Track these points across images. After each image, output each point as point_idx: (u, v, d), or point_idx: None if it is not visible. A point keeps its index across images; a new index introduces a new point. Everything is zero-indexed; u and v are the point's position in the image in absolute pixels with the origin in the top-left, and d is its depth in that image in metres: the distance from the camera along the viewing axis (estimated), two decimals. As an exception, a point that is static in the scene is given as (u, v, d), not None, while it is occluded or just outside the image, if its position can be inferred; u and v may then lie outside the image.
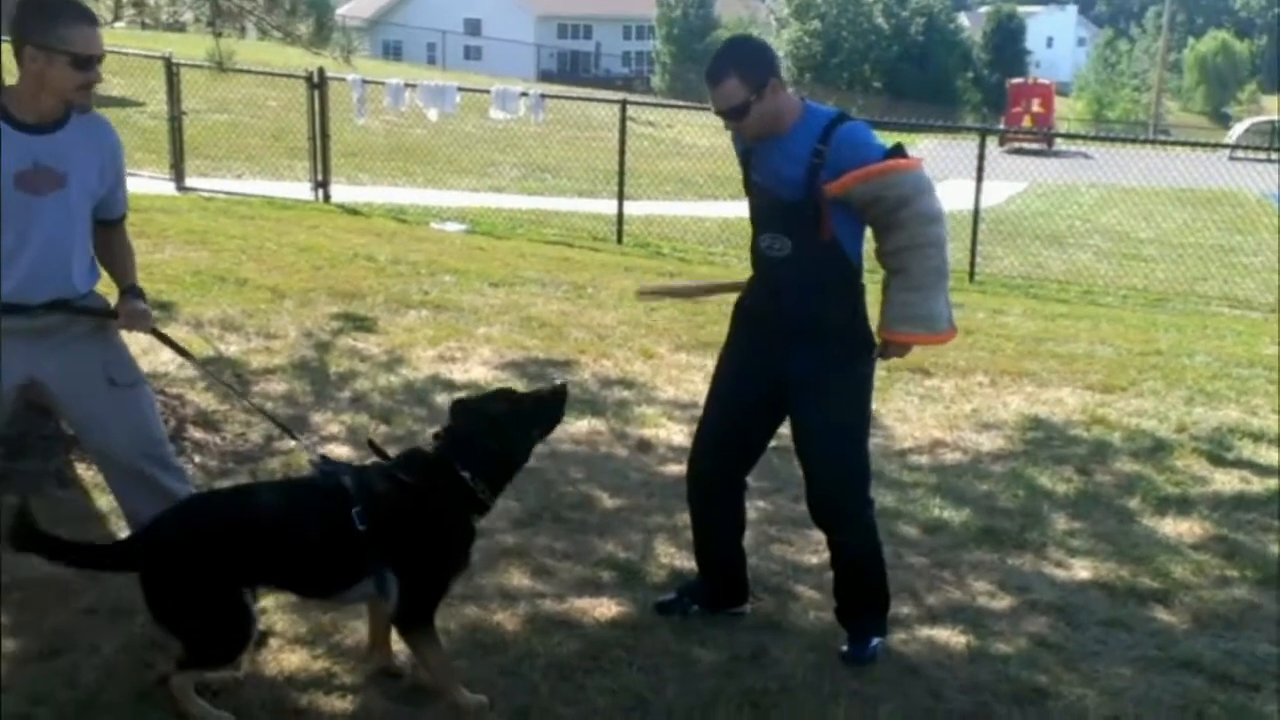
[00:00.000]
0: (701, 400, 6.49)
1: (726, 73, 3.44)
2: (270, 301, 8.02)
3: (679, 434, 5.90)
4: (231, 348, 6.76)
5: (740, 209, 14.11)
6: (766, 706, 3.41)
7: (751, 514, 4.91)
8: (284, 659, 3.51)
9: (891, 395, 6.85)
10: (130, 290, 3.55)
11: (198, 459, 5.09)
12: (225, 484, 4.84)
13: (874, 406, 6.48)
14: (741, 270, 12.50)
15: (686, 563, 4.36)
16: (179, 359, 6.16)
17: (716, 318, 8.68)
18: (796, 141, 3.47)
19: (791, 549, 4.62)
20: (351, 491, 3.15)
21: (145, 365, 5.76)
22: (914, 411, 6.58)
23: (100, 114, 3.50)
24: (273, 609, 3.79)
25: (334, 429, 5.64)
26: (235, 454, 5.23)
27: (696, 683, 3.50)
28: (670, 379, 6.98)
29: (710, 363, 7.24)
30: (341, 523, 3.10)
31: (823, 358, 3.59)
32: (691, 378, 7.02)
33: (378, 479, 3.25)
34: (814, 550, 4.62)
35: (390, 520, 3.15)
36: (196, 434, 5.30)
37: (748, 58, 3.49)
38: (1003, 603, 4.23)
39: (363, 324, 7.66)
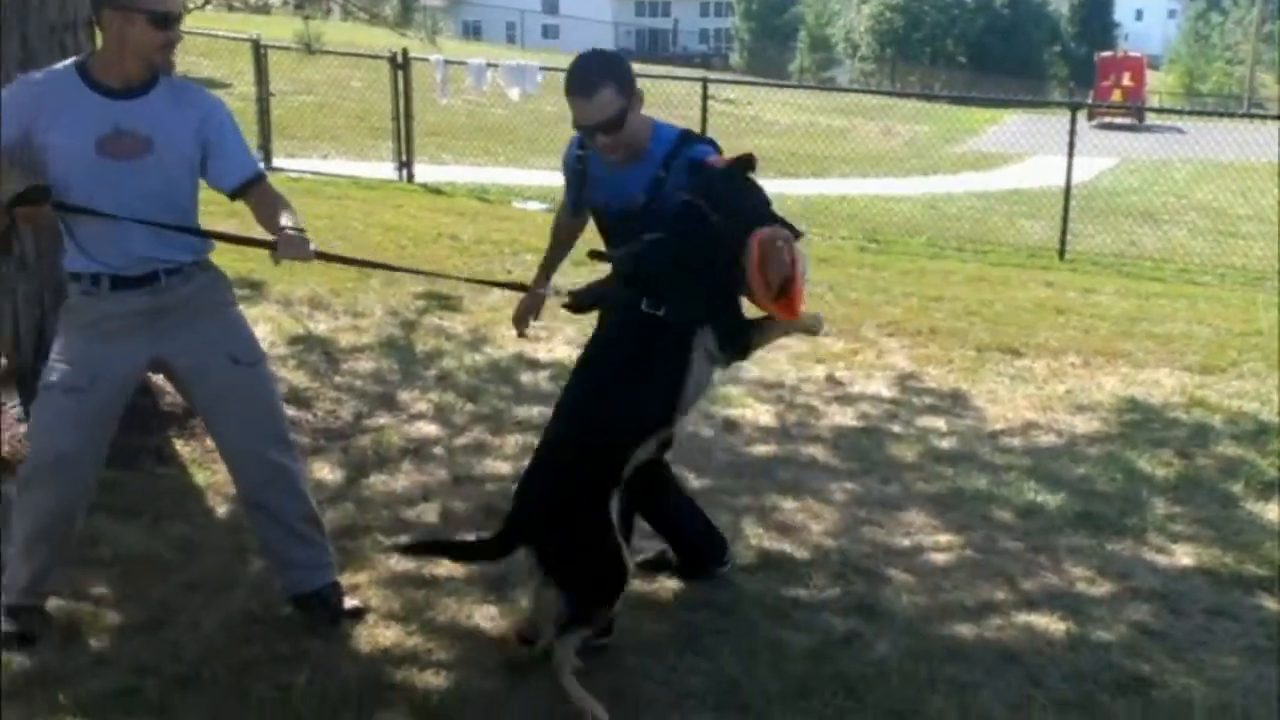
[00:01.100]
0: (790, 381, 6.47)
1: (602, 81, 3.27)
2: (357, 281, 8.09)
3: (765, 414, 5.85)
4: (320, 326, 6.84)
5: (821, 186, 14.01)
6: (861, 692, 3.36)
7: (840, 496, 4.89)
8: (379, 634, 3.54)
9: (982, 376, 6.73)
10: (284, 228, 3.37)
11: (291, 436, 5.15)
12: (317, 462, 4.91)
13: (964, 387, 6.47)
14: (825, 249, 12.35)
15: (775, 544, 4.33)
16: (273, 336, 6.30)
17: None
18: (647, 162, 3.43)
19: (882, 531, 4.56)
20: None
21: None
22: (1005, 392, 6.46)
23: (195, 83, 3.48)
24: (366, 585, 3.83)
25: (421, 407, 5.68)
26: (326, 431, 5.28)
27: (789, 666, 3.46)
28: (756, 359, 6.88)
29: (794, 342, 7.21)
30: None
31: None
32: (776, 357, 6.94)
33: None
34: (906, 533, 4.55)
35: None
36: (289, 411, 5.34)
37: (618, 67, 3.35)
38: (1102, 589, 4.13)
39: (448, 303, 7.70)
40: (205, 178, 3.44)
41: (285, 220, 3.36)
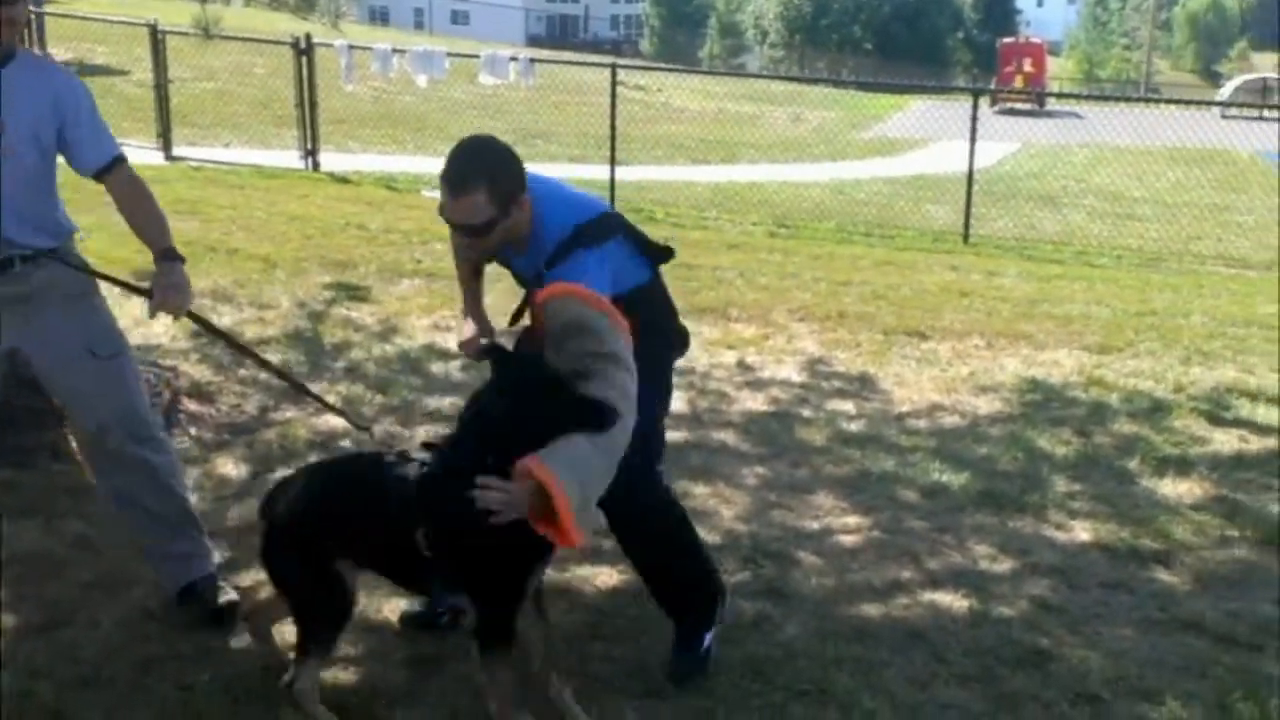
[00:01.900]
0: (701, 367, 6.49)
1: (475, 182, 2.92)
2: (262, 271, 7.96)
3: (677, 400, 5.81)
4: (225, 319, 6.70)
5: (731, 173, 14.08)
6: (769, 673, 3.39)
7: (750, 481, 4.93)
8: (283, 630, 3.48)
9: (889, 359, 6.83)
10: (164, 256, 3.25)
11: (193, 431, 5.06)
12: (221, 458, 4.82)
13: (871, 370, 6.56)
14: (735, 235, 12.42)
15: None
16: (174, 329, 6.16)
17: (711, 283, 8.65)
18: (535, 252, 3.10)
19: (791, 514, 4.61)
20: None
21: (138, 337, 5.73)
22: (911, 375, 6.56)
23: (52, 59, 3.34)
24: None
25: (330, 399, 5.59)
26: (231, 425, 5.19)
27: (699, 650, 3.48)
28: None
29: (705, 329, 7.26)
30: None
31: None
32: (687, 343, 6.99)
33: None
34: (814, 516, 4.61)
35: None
36: (192, 406, 5.26)
37: (501, 169, 2.97)
38: (1004, 566, 4.22)
39: (356, 293, 7.61)
40: (66, 161, 3.32)
41: (163, 240, 3.27)
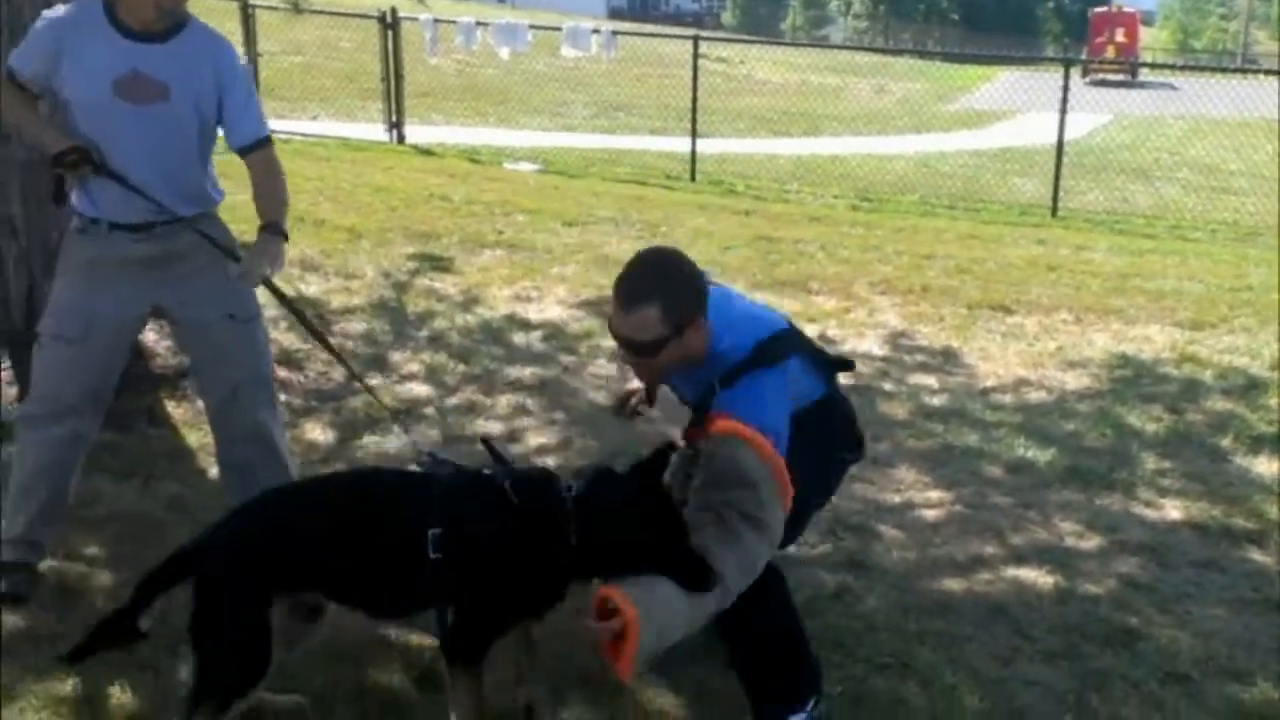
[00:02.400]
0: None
1: (648, 299, 2.69)
2: (348, 242, 8.07)
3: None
4: (311, 288, 6.82)
5: (814, 145, 13.88)
6: (850, 645, 3.38)
7: (832, 453, 4.90)
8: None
9: (973, 333, 6.74)
10: (270, 228, 3.37)
11: (283, 397, 5.15)
12: (309, 423, 4.91)
13: (955, 344, 6.47)
14: (817, 208, 12.32)
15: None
16: (264, 298, 6.27)
17: (792, 256, 8.60)
18: (707, 369, 2.85)
19: (873, 488, 4.58)
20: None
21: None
22: (996, 350, 6.46)
23: (219, 32, 3.43)
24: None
25: (413, 368, 5.68)
26: (318, 392, 5.29)
27: (780, 621, 3.47)
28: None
29: (785, 302, 7.21)
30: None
31: None
32: (769, 316, 6.96)
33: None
34: (896, 490, 4.57)
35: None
36: (281, 373, 5.35)
37: (676, 287, 2.73)
38: (1091, 543, 4.16)
39: (439, 264, 7.69)
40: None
41: (273, 214, 3.39)
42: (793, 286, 7.65)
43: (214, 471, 4.39)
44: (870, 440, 5.02)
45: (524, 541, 2.57)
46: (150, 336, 5.27)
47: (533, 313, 6.69)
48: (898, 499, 4.49)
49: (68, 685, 2.94)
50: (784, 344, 2.87)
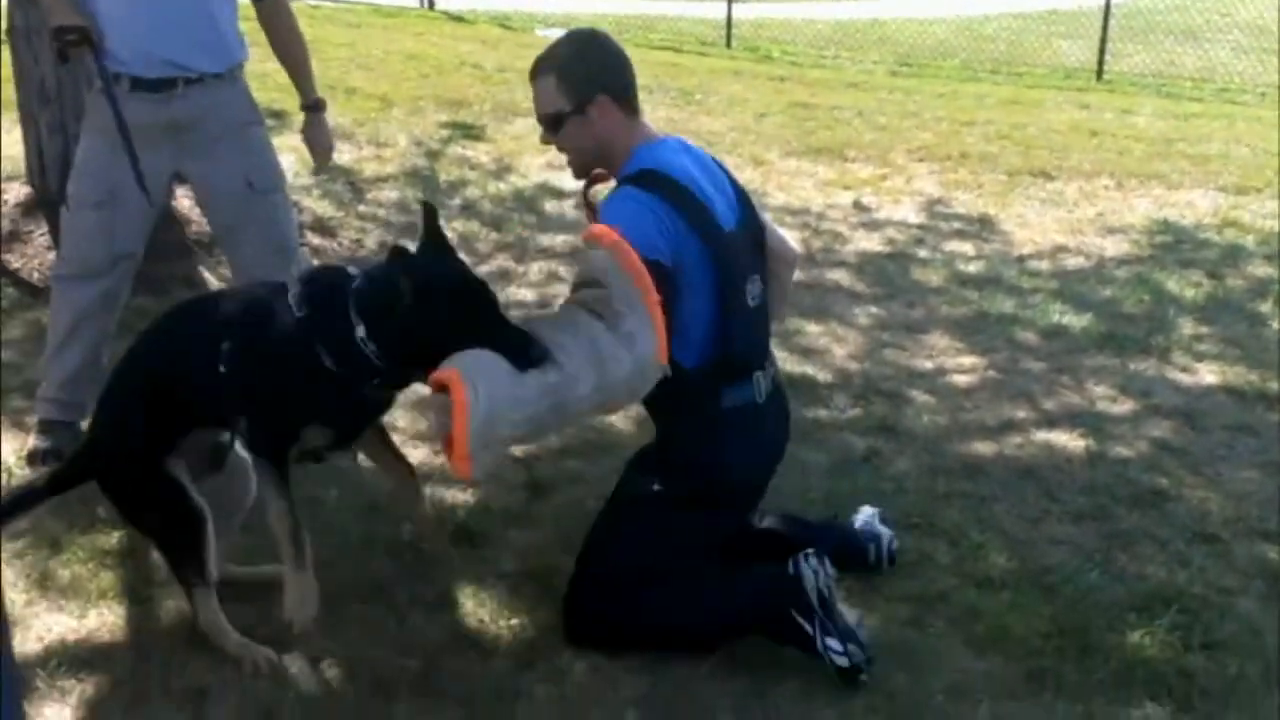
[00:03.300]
0: (816, 207, 6.40)
1: (545, 68, 2.70)
2: (380, 110, 8.01)
3: (790, 240, 5.80)
4: (344, 156, 6.78)
5: (852, 9, 13.49)
6: (878, 506, 3.40)
7: (863, 320, 4.90)
8: (406, 453, 3.60)
9: (1012, 200, 6.64)
10: (314, 107, 3.48)
11: (317, 264, 5.18)
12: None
13: (993, 212, 6.39)
14: (855, 74, 12.06)
15: (798, 367, 4.36)
16: (297, 166, 6.27)
17: (829, 122, 8.46)
18: None
19: (905, 354, 4.57)
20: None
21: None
22: (1034, 216, 6.37)
23: None
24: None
25: (446, 235, 5.66)
26: (352, 259, 5.30)
27: (811, 482, 3.51)
28: (781, 185, 6.85)
29: (821, 169, 7.13)
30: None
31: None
32: (802, 184, 6.88)
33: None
34: (928, 356, 4.57)
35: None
36: (315, 239, 5.37)
37: (574, 60, 2.69)
38: (1123, 407, 4.15)
39: (471, 132, 7.62)
40: None
41: (308, 84, 3.50)
42: (829, 154, 7.54)
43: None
44: (903, 307, 5.05)
45: (303, 349, 2.45)
46: (185, 203, 5.28)
47: (565, 181, 6.63)
48: (930, 365, 4.49)
49: (112, 539, 3.02)
50: (679, 195, 2.61)
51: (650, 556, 2.69)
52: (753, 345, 2.79)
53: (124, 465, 2.66)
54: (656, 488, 2.75)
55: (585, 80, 2.67)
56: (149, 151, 3.28)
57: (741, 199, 2.84)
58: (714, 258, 2.63)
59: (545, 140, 2.79)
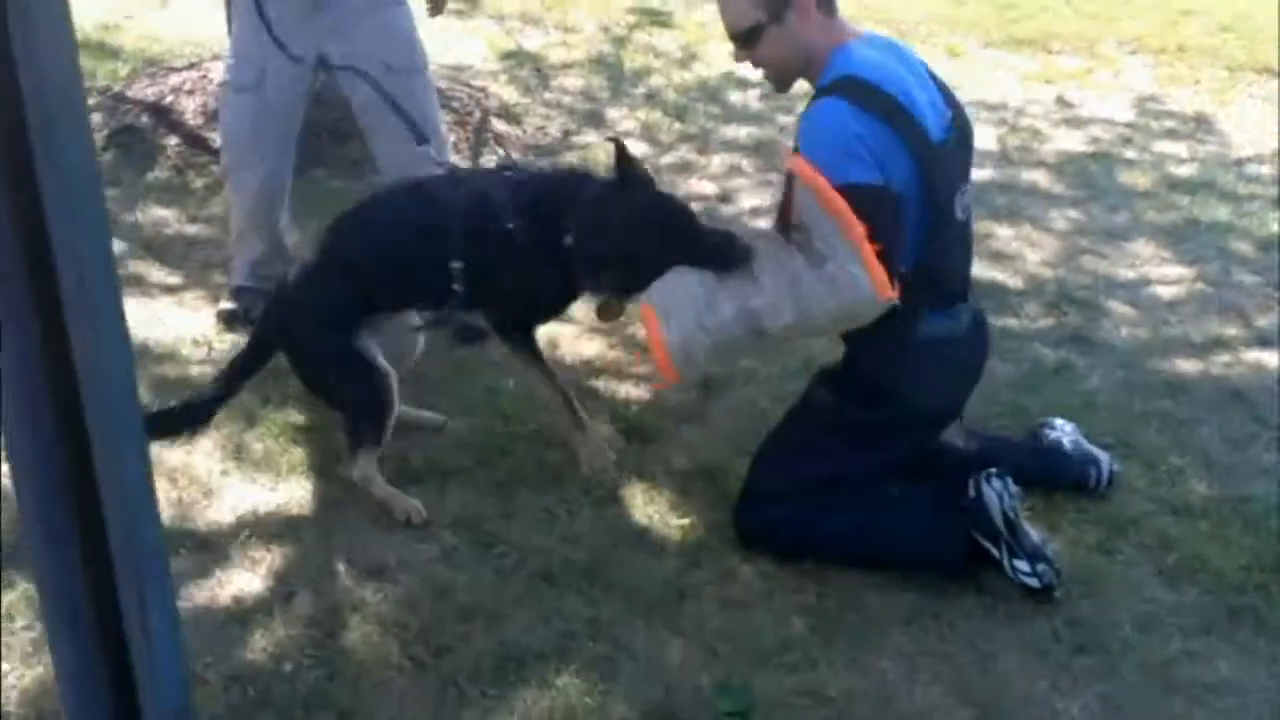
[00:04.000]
0: (1015, 102, 6.08)
1: None
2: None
3: (984, 136, 5.53)
4: (531, 42, 6.75)
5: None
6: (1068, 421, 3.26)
7: (1061, 224, 4.66)
8: (581, 346, 3.61)
9: (1232, 98, 6.18)
10: None
11: (500, 151, 5.19)
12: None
13: (1210, 110, 5.95)
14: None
15: (987, 272, 4.17)
16: (485, 51, 6.28)
17: (1032, 10, 7.99)
18: None
19: (1105, 262, 4.33)
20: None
21: (451, 57, 5.88)
22: (1256, 116, 5.92)
23: None
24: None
25: (628, 125, 5.61)
26: (535, 146, 5.30)
27: (995, 394, 3.36)
28: (977, 78, 6.51)
29: (1021, 62, 6.74)
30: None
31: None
32: (1001, 78, 6.53)
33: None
34: (1130, 264, 4.32)
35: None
36: (500, 126, 5.38)
37: None
38: (1346, 327, 3.85)
39: (658, 19, 7.46)
40: None
41: None
42: (1031, 45, 7.13)
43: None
44: (1106, 211, 4.77)
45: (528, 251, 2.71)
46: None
47: (751, 71, 6.46)
48: (1131, 274, 4.24)
49: (304, 416, 3.12)
50: (883, 105, 2.40)
51: (828, 472, 2.62)
52: (958, 264, 2.62)
53: (319, 340, 2.83)
54: (842, 408, 2.66)
55: None
56: (294, 33, 3.27)
57: (950, 100, 2.62)
58: (922, 172, 2.44)
59: (739, 57, 2.60)
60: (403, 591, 2.53)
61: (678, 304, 2.44)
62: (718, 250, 2.52)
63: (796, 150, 2.48)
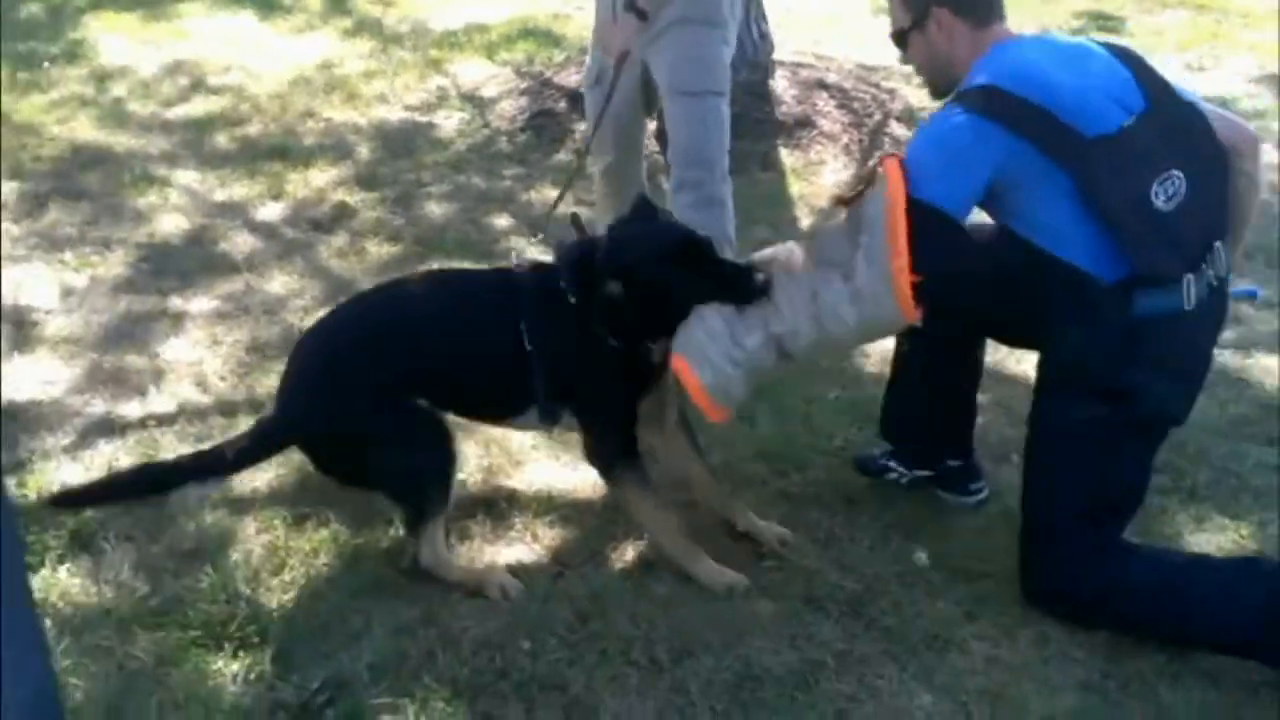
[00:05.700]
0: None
1: None
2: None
3: None
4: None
5: None
6: None
7: None
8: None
9: None
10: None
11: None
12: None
13: None
14: None
15: None
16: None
17: None
18: None
19: None
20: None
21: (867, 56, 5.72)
22: None
23: None
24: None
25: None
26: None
27: None
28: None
29: None
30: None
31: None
32: None
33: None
34: None
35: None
36: (898, 130, 5.20)
37: None
38: None
39: (1108, 23, 6.93)
40: None
41: None
42: None
43: (806, 221, 4.46)
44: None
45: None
46: (781, 84, 5.36)
47: (1203, 84, 5.86)
48: None
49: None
50: (1009, 107, 2.31)
51: (1093, 487, 2.41)
52: (1169, 250, 2.33)
53: (368, 407, 2.53)
54: (1068, 411, 2.42)
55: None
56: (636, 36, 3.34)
57: (1147, 87, 2.38)
58: (1072, 170, 2.31)
59: (900, 59, 2.67)
60: (662, 589, 2.53)
61: (704, 346, 2.43)
62: (739, 285, 2.45)
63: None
